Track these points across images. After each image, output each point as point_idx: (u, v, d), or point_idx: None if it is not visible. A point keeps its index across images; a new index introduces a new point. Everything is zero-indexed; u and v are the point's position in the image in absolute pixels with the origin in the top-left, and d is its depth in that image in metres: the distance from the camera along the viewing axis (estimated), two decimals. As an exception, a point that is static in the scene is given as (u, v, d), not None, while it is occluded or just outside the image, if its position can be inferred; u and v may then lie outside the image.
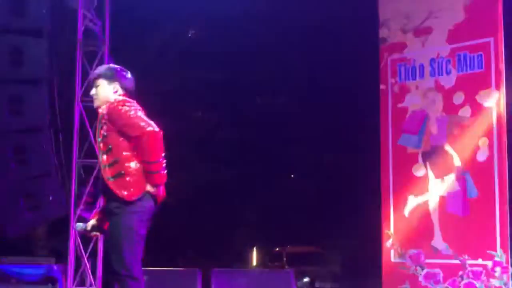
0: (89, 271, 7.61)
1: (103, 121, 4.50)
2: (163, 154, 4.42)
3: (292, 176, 16.43)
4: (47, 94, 7.53)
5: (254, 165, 13.63)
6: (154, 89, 10.26)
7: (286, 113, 13.16)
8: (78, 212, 7.68)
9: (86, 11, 7.86)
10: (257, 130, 13.37)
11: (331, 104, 11.11)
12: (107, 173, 4.40)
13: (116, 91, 4.58)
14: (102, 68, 4.80)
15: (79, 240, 7.62)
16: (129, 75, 4.70)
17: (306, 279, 13.71)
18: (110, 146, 4.41)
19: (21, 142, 7.36)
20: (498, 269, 7.41)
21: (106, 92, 4.58)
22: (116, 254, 4.28)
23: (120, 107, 4.43)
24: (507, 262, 7.37)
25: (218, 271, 7.69)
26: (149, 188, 4.34)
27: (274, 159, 13.91)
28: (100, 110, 4.59)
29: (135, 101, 4.59)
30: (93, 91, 4.66)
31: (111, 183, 4.36)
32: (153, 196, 4.38)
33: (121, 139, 4.39)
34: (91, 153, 7.70)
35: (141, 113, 4.44)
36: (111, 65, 4.84)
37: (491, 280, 7.44)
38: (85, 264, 7.62)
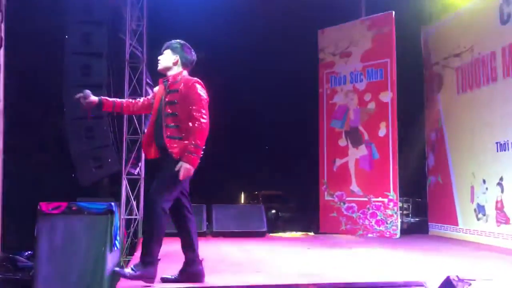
0: (135, 206, 7.63)
1: (174, 88, 3.70)
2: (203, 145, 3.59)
3: (266, 147, 16.43)
4: (106, 95, 7.47)
5: (242, 141, 13.48)
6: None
7: (263, 110, 12.86)
8: (127, 169, 7.66)
9: (131, 41, 7.84)
10: (248, 120, 13.01)
11: (292, 103, 11.10)
12: (166, 132, 3.61)
13: (176, 62, 3.78)
14: (172, 41, 3.87)
15: (129, 187, 7.63)
16: (192, 52, 3.87)
17: (273, 211, 13.87)
18: (176, 113, 3.62)
19: (90, 125, 7.34)
20: (391, 204, 7.68)
21: (168, 60, 3.79)
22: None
23: (198, 90, 3.65)
24: (396, 199, 7.62)
25: (217, 205, 7.73)
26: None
27: (255, 137, 13.83)
28: (169, 78, 3.77)
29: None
30: (159, 57, 3.85)
31: (167, 141, 3.59)
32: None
33: (185, 110, 3.60)
34: (135, 132, 7.73)
35: (205, 102, 3.66)
36: (181, 41, 3.87)
37: (387, 210, 7.68)
38: (132, 202, 7.62)
